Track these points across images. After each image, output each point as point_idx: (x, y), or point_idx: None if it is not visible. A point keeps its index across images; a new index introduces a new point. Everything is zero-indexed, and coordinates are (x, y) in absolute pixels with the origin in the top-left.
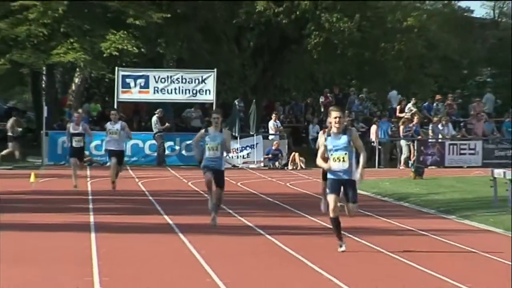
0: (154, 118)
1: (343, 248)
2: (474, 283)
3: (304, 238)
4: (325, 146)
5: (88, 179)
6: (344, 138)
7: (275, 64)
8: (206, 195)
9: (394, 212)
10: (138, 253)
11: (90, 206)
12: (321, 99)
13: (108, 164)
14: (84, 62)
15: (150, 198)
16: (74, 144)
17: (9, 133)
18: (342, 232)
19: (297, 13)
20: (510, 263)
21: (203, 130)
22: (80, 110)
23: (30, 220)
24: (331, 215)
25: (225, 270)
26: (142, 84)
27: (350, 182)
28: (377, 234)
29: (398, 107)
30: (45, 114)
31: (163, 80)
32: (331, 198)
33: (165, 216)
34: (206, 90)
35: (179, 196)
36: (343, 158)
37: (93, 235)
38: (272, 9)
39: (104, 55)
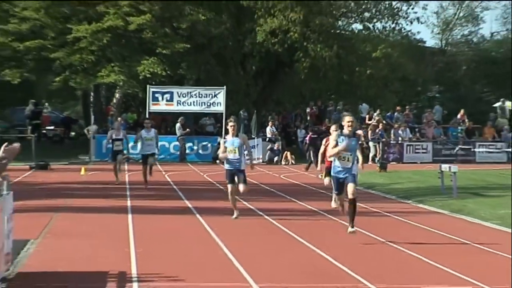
0: (178, 125)
1: (352, 230)
2: (425, 250)
3: (294, 218)
4: (337, 143)
5: (126, 172)
6: (354, 141)
7: (272, 83)
8: (223, 189)
9: (364, 198)
10: (165, 230)
11: (128, 193)
12: (307, 110)
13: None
14: (122, 82)
15: (174, 187)
16: (114, 147)
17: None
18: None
19: (289, 43)
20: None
21: (222, 140)
22: (119, 119)
23: (80, 204)
24: (338, 207)
25: (233, 244)
26: (168, 98)
27: (351, 177)
28: None
29: (367, 116)
30: (92, 121)
31: (184, 95)
32: (338, 197)
33: (186, 201)
34: (217, 103)
35: (197, 185)
36: (348, 158)
37: (129, 216)
38: (269, 40)
39: (140, 77)
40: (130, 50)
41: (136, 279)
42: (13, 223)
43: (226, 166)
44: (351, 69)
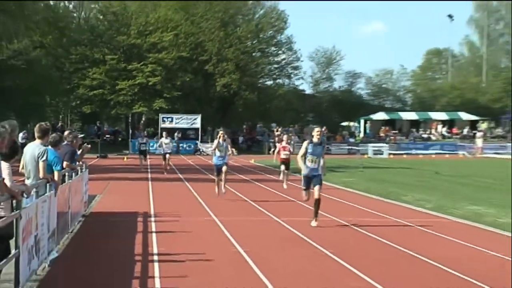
0: (175, 134)
1: (315, 223)
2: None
3: (237, 179)
4: (306, 150)
5: (148, 160)
6: (321, 148)
7: (225, 112)
8: (214, 178)
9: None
10: (167, 189)
11: (149, 170)
12: (244, 126)
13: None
14: (146, 111)
15: (174, 167)
16: (141, 148)
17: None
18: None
19: (232, 92)
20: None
21: (216, 141)
22: (144, 132)
23: (123, 176)
24: (306, 199)
25: (204, 196)
26: (170, 120)
27: (317, 176)
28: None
29: (275, 129)
30: (130, 132)
31: (178, 119)
32: (304, 193)
33: (180, 175)
34: (196, 123)
35: (185, 167)
36: (316, 160)
37: (149, 182)
38: (222, 90)
39: (154, 109)
40: (149, 95)
41: (153, 215)
42: (88, 186)
43: (215, 162)
44: (265, 106)
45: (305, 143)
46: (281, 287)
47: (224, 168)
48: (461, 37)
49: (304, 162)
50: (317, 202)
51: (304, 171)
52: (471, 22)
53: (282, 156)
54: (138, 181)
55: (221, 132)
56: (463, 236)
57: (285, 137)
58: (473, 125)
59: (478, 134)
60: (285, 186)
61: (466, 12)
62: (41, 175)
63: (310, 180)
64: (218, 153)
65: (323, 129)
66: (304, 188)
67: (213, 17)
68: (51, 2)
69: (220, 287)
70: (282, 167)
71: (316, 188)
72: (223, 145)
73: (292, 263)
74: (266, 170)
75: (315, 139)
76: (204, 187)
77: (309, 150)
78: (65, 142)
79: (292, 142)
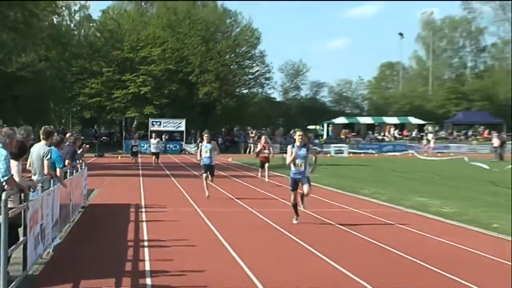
0: (163, 136)
1: (296, 221)
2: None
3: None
4: (292, 153)
5: (140, 160)
6: (304, 151)
7: (206, 117)
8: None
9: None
10: (156, 184)
11: (140, 167)
12: (223, 129)
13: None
14: (137, 116)
15: (161, 164)
16: (133, 149)
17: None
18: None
19: (212, 98)
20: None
21: (201, 144)
22: (136, 135)
23: (117, 172)
24: (293, 202)
25: (188, 189)
26: (159, 124)
27: (304, 178)
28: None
29: (250, 131)
30: (124, 134)
31: (166, 123)
32: (293, 194)
33: (167, 171)
34: (181, 126)
35: (172, 165)
36: (301, 164)
37: (141, 178)
38: (204, 97)
39: (145, 114)
40: (141, 102)
41: (143, 207)
42: (87, 181)
43: (203, 162)
44: (241, 111)
45: (289, 147)
46: (252, 265)
47: (211, 178)
48: (410, 52)
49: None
50: (302, 196)
51: (291, 173)
52: (418, 39)
53: (263, 155)
54: (131, 177)
55: (205, 135)
56: (411, 224)
57: (263, 138)
58: (420, 128)
59: (430, 135)
60: (266, 179)
61: (415, 31)
62: (45, 172)
63: (297, 182)
64: (204, 154)
65: (291, 132)
66: (291, 189)
67: (195, 34)
68: (55, 21)
69: (201, 268)
70: (264, 166)
71: (305, 186)
72: (208, 146)
73: (262, 246)
74: (243, 167)
75: (297, 143)
76: (188, 182)
77: (294, 154)
78: (67, 143)
79: (270, 142)
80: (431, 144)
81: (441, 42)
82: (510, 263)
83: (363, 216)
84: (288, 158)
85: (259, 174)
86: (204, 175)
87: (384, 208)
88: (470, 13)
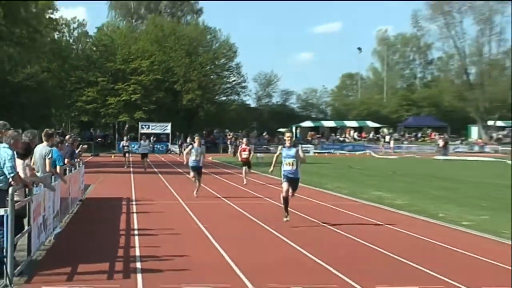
0: (151, 138)
1: (287, 219)
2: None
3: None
4: (281, 154)
5: (131, 158)
6: (293, 151)
7: (190, 121)
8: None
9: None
10: (145, 180)
11: (131, 165)
12: (204, 132)
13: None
14: (128, 120)
15: (150, 163)
16: (124, 149)
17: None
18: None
19: (195, 104)
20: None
21: (190, 146)
22: (127, 136)
23: (111, 170)
24: (284, 195)
25: (173, 184)
26: (147, 127)
27: (295, 179)
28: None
29: (229, 134)
30: (116, 136)
31: (154, 126)
32: (285, 184)
33: (155, 169)
34: (167, 129)
35: (159, 163)
36: (292, 163)
37: (131, 175)
38: (187, 103)
39: (135, 118)
40: (132, 108)
41: (134, 200)
42: (84, 177)
43: (191, 164)
44: (220, 116)
45: (279, 148)
46: (228, 250)
47: (200, 179)
48: (367, 65)
49: (282, 166)
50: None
51: (284, 172)
52: (375, 53)
53: (243, 156)
54: (123, 174)
55: (197, 138)
56: (368, 214)
57: (245, 140)
58: (376, 131)
59: (387, 137)
60: (245, 181)
61: (371, 46)
62: (47, 169)
63: (291, 179)
64: (193, 157)
65: (264, 134)
66: (285, 180)
67: (180, 49)
68: (56, 37)
69: (185, 253)
70: (245, 166)
71: (292, 191)
72: (198, 150)
73: (238, 233)
74: (221, 165)
75: (286, 143)
76: (173, 179)
77: (283, 154)
78: (66, 144)
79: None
80: (391, 145)
81: (394, 56)
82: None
83: (326, 207)
84: (275, 157)
85: (243, 173)
86: (192, 174)
87: (345, 200)
88: (419, 30)
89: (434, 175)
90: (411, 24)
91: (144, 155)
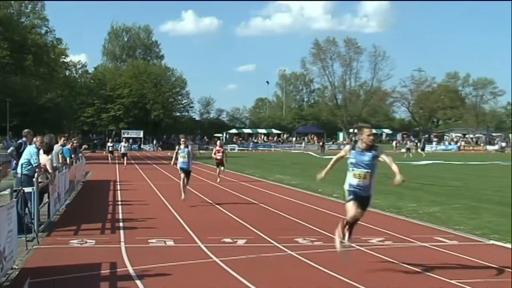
0: (130, 140)
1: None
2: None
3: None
4: (347, 158)
5: (115, 155)
6: (369, 155)
7: (156, 129)
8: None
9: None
10: (127, 172)
11: (116, 161)
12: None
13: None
14: (115, 129)
15: (130, 157)
16: (110, 149)
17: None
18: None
19: (159, 118)
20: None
21: (177, 147)
22: (112, 138)
23: (103, 162)
24: (347, 219)
25: (153, 180)
26: (127, 133)
27: (366, 199)
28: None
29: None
30: (107, 139)
31: (132, 132)
32: (351, 205)
33: (135, 165)
34: (140, 134)
35: (137, 159)
36: (364, 175)
37: (116, 166)
38: (159, 114)
39: (120, 128)
40: (117, 120)
41: (118, 182)
42: (85, 166)
43: (179, 165)
44: (175, 126)
45: (346, 148)
46: (182, 214)
47: (187, 182)
48: (272, 92)
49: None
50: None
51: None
52: (277, 85)
53: (217, 157)
54: (111, 165)
55: (182, 139)
56: (273, 190)
57: (218, 142)
58: (279, 135)
59: (293, 139)
60: (218, 180)
61: (275, 80)
62: (60, 161)
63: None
64: (181, 159)
65: (204, 137)
66: (352, 198)
67: (149, 81)
68: (67, 73)
69: (153, 216)
70: (219, 166)
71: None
72: (185, 151)
73: (187, 204)
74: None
75: (361, 144)
76: (145, 167)
77: (352, 160)
78: (73, 145)
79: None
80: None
81: (290, 86)
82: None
83: (246, 186)
84: (334, 159)
85: (217, 172)
86: (182, 176)
87: (258, 182)
88: (306, 70)
89: (317, 164)
90: (300, 66)
91: (124, 154)
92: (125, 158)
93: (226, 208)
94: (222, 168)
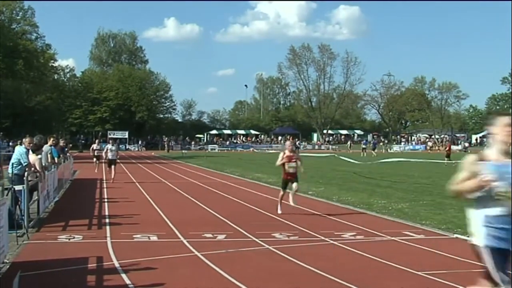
0: (117, 141)
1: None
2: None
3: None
4: (477, 174)
5: (103, 159)
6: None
7: (140, 130)
8: None
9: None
10: (116, 168)
11: (103, 162)
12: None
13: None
14: (101, 130)
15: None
16: (96, 153)
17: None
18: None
19: (144, 120)
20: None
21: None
22: (97, 141)
23: (90, 161)
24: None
25: (134, 174)
26: (113, 134)
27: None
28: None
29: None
30: (94, 139)
31: (117, 133)
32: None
33: (118, 161)
34: (125, 135)
35: (123, 159)
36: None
37: (103, 165)
38: (144, 116)
39: (106, 129)
40: (103, 122)
41: (104, 180)
42: (73, 165)
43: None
44: (160, 127)
45: (471, 161)
46: (165, 210)
47: None
48: (251, 95)
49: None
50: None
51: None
52: (255, 89)
53: (289, 171)
54: (98, 165)
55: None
56: (251, 188)
57: (288, 143)
58: (257, 136)
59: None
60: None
61: (253, 84)
62: (49, 160)
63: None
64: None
65: (187, 138)
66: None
67: (134, 84)
68: (56, 77)
69: (138, 212)
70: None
71: (294, 184)
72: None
73: (170, 201)
74: (160, 158)
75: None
76: (130, 167)
77: (492, 176)
78: (60, 144)
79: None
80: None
81: (267, 90)
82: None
83: (225, 184)
84: (461, 181)
85: (280, 198)
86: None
87: (237, 180)
88: (282, 75)
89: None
90: (277, 71)
91: (111, 162)
92: (112, 167)
93: (207, 205)
94: (294, 186)
